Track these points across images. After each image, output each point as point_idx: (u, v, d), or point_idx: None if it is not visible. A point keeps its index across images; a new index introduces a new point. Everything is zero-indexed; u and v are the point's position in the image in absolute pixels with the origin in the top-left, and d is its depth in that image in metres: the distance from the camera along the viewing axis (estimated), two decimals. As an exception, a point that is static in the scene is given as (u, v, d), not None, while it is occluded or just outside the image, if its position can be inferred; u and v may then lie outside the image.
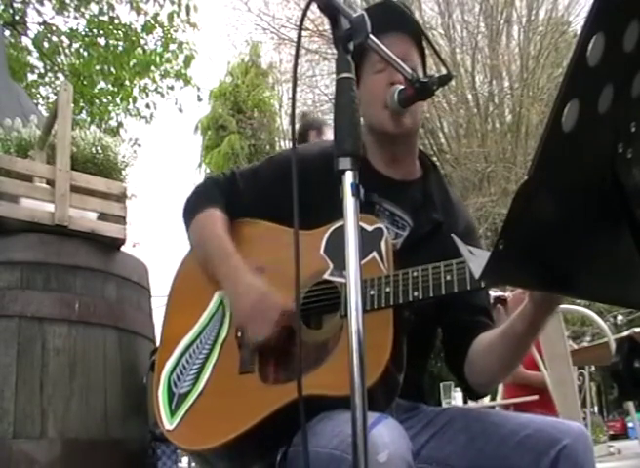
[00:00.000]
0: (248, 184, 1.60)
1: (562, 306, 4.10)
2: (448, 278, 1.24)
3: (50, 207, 1.97)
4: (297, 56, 1.23)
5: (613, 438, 16.14)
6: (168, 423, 1.41)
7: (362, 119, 1.28)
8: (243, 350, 1.42)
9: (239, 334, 1.44)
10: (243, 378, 1.38)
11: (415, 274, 1.28)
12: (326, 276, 1.39)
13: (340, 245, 1.39)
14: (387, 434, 1.12)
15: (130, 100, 8.56)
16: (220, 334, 1.47)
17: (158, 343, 1.58)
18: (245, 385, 1.37)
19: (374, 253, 1.35)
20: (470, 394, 1.49)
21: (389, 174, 1.53)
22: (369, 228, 1.37)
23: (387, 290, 1.29)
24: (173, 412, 1.42)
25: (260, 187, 1.57)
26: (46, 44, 8.25)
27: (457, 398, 6.26)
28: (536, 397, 4.24)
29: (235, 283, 1.43)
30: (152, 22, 8.05)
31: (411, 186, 1.55)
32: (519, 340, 1.31)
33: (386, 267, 1.34)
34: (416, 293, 1.26)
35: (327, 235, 1.43)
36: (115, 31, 8.11)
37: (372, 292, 1.30)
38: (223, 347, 1.45)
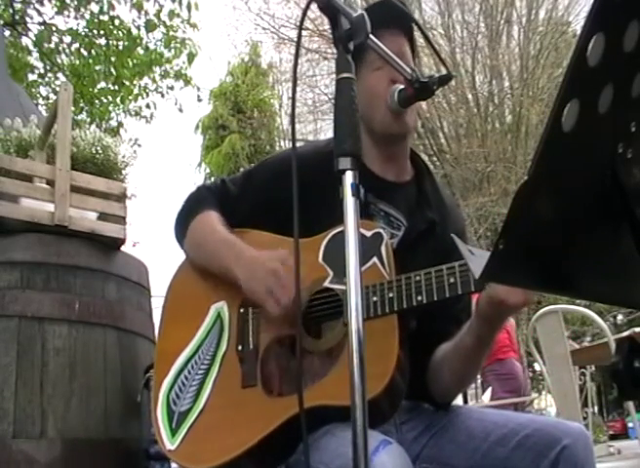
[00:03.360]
0: (241, 189, 1.56)
1: (562, 306, 4.11)
2: (451, 281, 1.23)
3: (50, 207, 1.97)
4: (297, 55, 1.23)
5: (613, 438, 16.12)
6: (169, 443, 1.38)
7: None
8: (244, 363, 1.39)
9: (239, 348, 1.41)
10: (246, 392, 1.36)
11: (417, 278, 1.26)
12: (326, 284, 1.37)
13: (339, 252, 1.36)
14: (390, 463, 1.11)
15: (130, 99, 8.56)
16: (220, 349, 1.44)
17: (154, 360, 1.55)
18: (248, 399, 1.35)
19: (374, 259, 1.34)
20: (432, 403, 1.46)
21: (383, 174, 1.52)
22: (368, 233, 1.35)
23: (390, 295, 1.28)
24: (174, 432, 1.39)
25: (254, 190, 1.54)
26: (46, 44, 8.25)
27: (457, 398, 6.25)
28: (536, 396, 4.24)
29: (243, 263, 1.38)
30: (154, 21, 8.04)
31: (404, 187, 1.54)
32: (469, 354, 1.31)
33: (388, 272, 1.32)
34: (420, 297, 1.25)
35: (325, 242, 1.40)
36: (116, 31, 8.11)
37: (374, 299, 1.28)
38: (224, 362, 1.42)
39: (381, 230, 1.38)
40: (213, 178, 19.02)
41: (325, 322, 1.37)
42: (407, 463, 1.17)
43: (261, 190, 1.53)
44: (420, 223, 1.48)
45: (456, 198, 13.27)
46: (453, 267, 1.24)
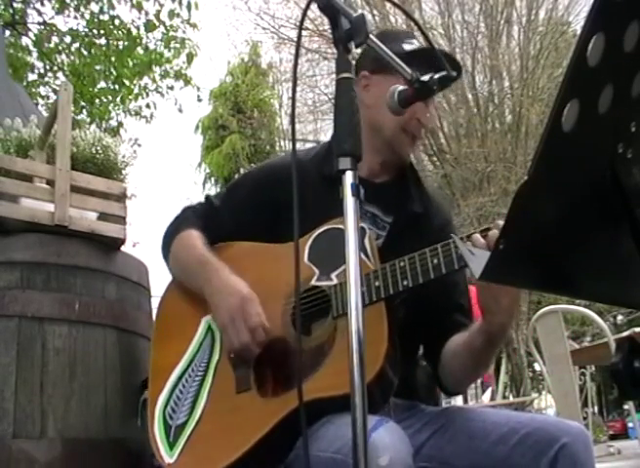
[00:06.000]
0: (225, 202, 1.60)
1: (562, 306, 4.12)
2: (435, 262, 1.25)
3: (50, 207, 1.97)
4: (297, 55, 1.23)
5: (613, 438, 16.13)
6: (168, 457, 1.39)
7: (364, 120, 1.28)
8: (238, 369, 1.41)
9: (232, 355, 1.43)
10: (241, 397, 1.37)
11: (402, 264, 1.28)
12: (314, 282, 1.39)
13: (324, 250, 1.39)
14: (388, 437, 1.13)
15: (130, 99, 8.56)
16: (212, 359, 1.45)
17: (148, 378, 1.56)
18: (244, 403, 1.36)
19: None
20: (444, 391, 1.51)
21: (369, 177, 1.54)
22: None
23: (377, 284, 1.30)
24: (172, 445, 1.40)
25: (237, 202, 1.58)
26: (46, 44, 8.25)
27: (457, 398, 6.26)
28: (536, 396, 4.25)
29: (216, 285, 1.42)
30: (154, 21, 8.05)
31: (389, 186, 1.57)
32: (478, 353, 1.34)
33: (372, 263, 1.35)
34: (405, 282, 1.27)
35: (309, 243, 1.43)
36: (116, 31, 8.11)
37: (362, 289, 1.30)
38: (217, 371, 1.43)
39: (364, 225, 1.40)
40: (213, 179, 19.04)
41: (314, 319, 1.38)
42: (403, 438, 1.18)
43: (245, 201, 1.57)
44: (404, 218, 1.51)
45: (455, 198, 13.29)
46: (435, 249, 1.26)
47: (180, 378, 1.47)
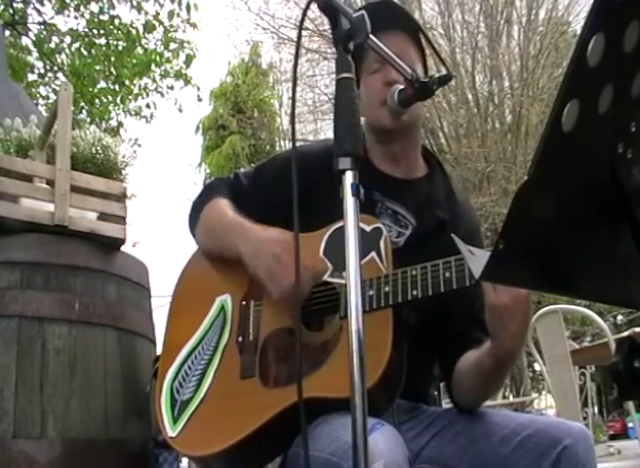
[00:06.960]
0: (250, 183, 1.60)
1: (562, 306, 4.12)
2: (447, 275, 1.24)
3: (50, 207, 1.97)
4: (297, 55, 1.23)
5: (613, 438, 16.12)
6: (171, 430, 1.41)
7: (363, 119, 1.27)
8: (244, 355, 1.42)
9: (239, 339, 1.43)
10: (244, 383, 1.38)
11: (414, 273, 1.27)
12: (325, 278, 1.38)
13: (339, 246, 1.37)
14: (383, 442, 1.12)
15: (131, 98, 8.57)
16: (222, 340, 1.46)
17: (160, 351, 1.58)
18: (246, 390, 1.37)
19: (372, 254, 1.35)
20: (457, 407, 1.46)
21: (392, 172, 1.53)
22: (367, 228, 1.37)
23: (386, 289, 1.29)
24: (175, 419, 1.42)
25: (261, 186, 1.57)
26: (46, 44, 8.25)
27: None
28: (536, 396, 4.25)
29: (249, 244, 1.40)
30: (153, 21, 8.06)
31: (414, 185, 1.54)
32: (487, 375, 1.32)
33: (385, 267, 1.34)
34: (415, 292, 1.26)
35: (326, 237, 1.42)
36: (116, 31, 8.12)
37: (370, 293, 1.29)
38: (224, 353, 1.44)
39: (381, 225, 1.39)
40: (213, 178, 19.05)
41: (326, 315, 1.38)
42: (399, 442, 1.18)
43: (270, 185, 1.55)
44: (429, 223, 1.48)
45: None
46: (449, 262, 1.25)
47: (189, 355, 1.48)
